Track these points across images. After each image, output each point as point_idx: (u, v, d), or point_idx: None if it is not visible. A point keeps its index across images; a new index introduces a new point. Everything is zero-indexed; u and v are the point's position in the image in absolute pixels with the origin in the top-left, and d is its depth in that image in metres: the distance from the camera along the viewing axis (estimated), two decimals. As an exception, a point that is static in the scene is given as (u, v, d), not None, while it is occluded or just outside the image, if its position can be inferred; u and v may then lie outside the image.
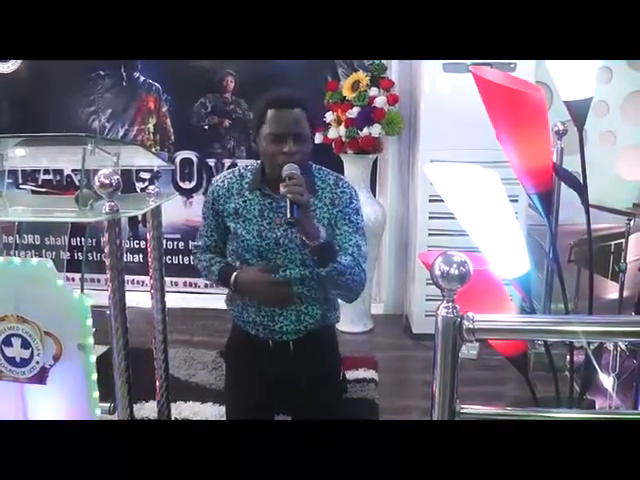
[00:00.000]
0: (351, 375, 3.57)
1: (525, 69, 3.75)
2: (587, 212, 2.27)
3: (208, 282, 2.61)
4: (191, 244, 4.68)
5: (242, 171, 2.33)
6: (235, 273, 2.26)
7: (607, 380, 3.02)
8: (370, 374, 3.69)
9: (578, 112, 2.19)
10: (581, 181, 2.26)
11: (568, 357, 2.61)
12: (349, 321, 4.33)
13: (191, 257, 4.61)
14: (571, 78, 2.13)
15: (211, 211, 2.33)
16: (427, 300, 4.12)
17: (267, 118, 2.15)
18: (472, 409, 1.34)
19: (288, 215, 1.98)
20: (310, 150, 2.20)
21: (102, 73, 4.76)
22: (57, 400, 1.82)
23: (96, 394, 1.80)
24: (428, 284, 3.94)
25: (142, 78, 4.76)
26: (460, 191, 1.90)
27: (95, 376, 1.79)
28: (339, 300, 2.38)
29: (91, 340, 1.76)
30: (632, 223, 3.43)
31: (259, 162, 2.31)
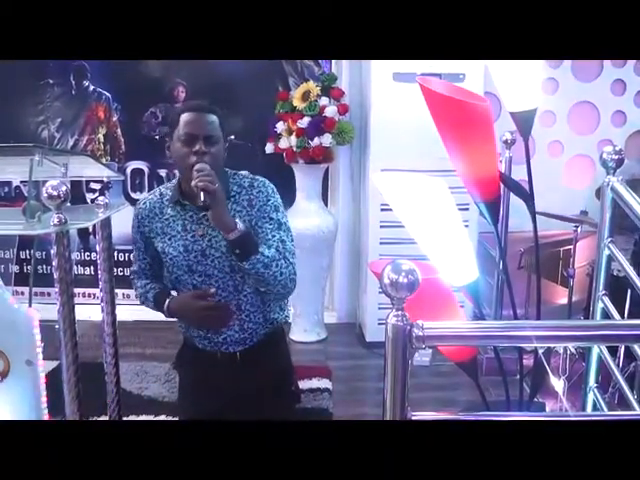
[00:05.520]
0: (305, 385, 3.57)
1: (474, 80, 3.82)
2: (534, 220, 2.32)
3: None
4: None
5: (162, 190, 2.34)
6: (168, 300, 2.27)
7: (557, 383, 3.08)
8: (324, 383, 3.70)
9: (523, 123, 2.24)
10: (527, 189, 2.31)
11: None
12: (302, 330, 4.34)
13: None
14: (516, 89, 2.18)
15: (139, 234, 2.33)
16: (380, 308, 4.14)
17: (180, 121, 2.18)
18: (424, 415, 1.35)
19: (201, 199, 2.02)
20: (222, 154, 2.22)
21: (51, 81, 4.67)
22: (6, 417, 1.79)
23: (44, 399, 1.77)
24: (380, 292, 3.94)
25: (92, 87, 4.70)
26: (408, 200, 1.92)
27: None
28: (285, 300, 2.40)
29: (39, 354, 1.73)
30: (579, 230, 3.52)
31: (177, 178, 2.32)
